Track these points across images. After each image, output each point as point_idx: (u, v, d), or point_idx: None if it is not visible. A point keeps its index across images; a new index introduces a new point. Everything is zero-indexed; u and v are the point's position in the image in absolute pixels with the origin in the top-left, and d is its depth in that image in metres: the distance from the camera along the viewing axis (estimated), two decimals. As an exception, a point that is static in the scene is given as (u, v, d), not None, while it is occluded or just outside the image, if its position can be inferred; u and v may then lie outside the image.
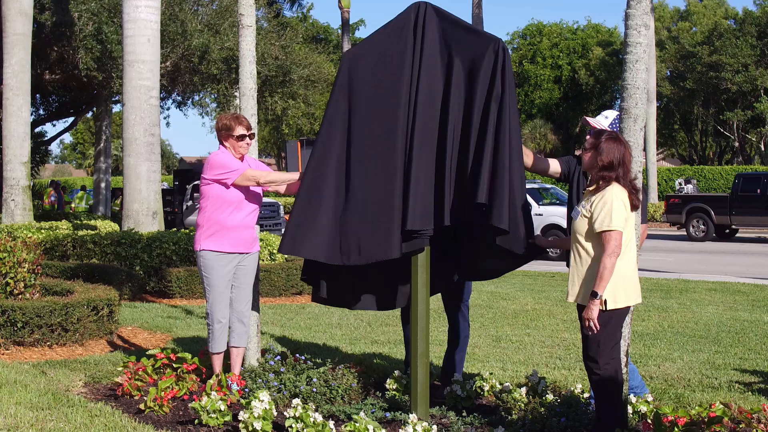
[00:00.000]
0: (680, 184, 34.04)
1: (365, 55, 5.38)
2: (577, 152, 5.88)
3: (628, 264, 4.70)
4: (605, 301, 4.59)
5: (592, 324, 4.57)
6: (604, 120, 5.65)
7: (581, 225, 4.72)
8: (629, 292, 4.69)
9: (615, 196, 4.63)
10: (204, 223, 5.99)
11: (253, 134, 6.11)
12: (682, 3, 49.80)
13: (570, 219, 5.05)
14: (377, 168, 5.15)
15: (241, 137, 5.98)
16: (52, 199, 30.11)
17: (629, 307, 4.76)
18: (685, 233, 24.56)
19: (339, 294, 5.69)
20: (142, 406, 5.56)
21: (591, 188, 4.78)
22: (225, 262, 5.98)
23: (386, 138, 5.14)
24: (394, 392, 5.79)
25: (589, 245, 4.67)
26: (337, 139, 5.26)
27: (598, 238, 4.62)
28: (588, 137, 4.91)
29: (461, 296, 6.07)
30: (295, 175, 5.97)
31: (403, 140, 5.10)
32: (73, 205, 30.48)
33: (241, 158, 6.04)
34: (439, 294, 5.96)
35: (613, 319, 4.66)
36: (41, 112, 30.92)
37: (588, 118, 5.72)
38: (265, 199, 15.72)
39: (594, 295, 4.55)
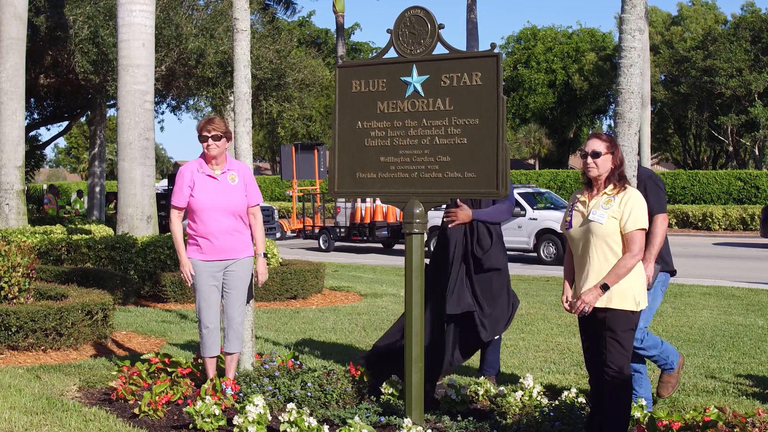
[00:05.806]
0: None
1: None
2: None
3: (640, 265, 4.71)
4: (639, 303, 4.59)
5: (586, 308, 4.54)
6: None
7: (611, 226, 4.58)
8: (645, 293, 4.72)
9: (640, 195, 4.62)
10: (186, 231, 6.06)
11: (218, 135, 5.86)
12: (674, 8, 49.80)
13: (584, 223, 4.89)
14: None
15: (203, 139, 5.92)
16: (46, 201, 30.01)
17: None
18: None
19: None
20: (136, 411, 5.54)
21: (609, 190, 4.65)
22: (207, 268, 5.95)
23: None
24: (389, 396, 5.79)
25: (618, 247, 4.59)
26: None
27: (622, 239, 4.58)
28: (588, 143, 4.75)
29: None
30: (183, 258, 5.95)
31: None
32: (67, 208, 30.39)
33: (212, 159, 5.91)
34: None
35: (636, 321, 4.66)
36: (36, 116, 30.76)
37: None
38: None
39: (605, 287, 4.52)
